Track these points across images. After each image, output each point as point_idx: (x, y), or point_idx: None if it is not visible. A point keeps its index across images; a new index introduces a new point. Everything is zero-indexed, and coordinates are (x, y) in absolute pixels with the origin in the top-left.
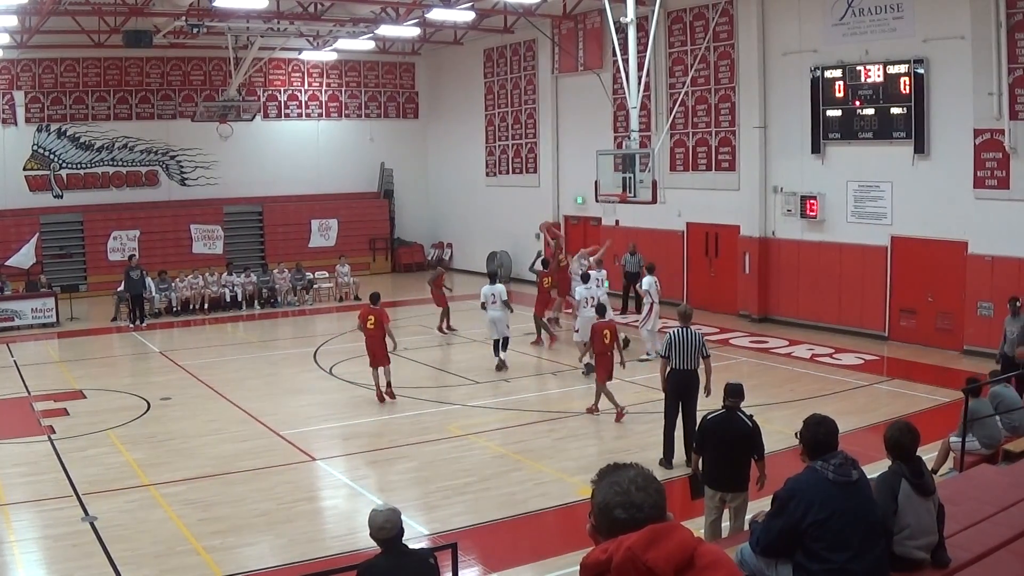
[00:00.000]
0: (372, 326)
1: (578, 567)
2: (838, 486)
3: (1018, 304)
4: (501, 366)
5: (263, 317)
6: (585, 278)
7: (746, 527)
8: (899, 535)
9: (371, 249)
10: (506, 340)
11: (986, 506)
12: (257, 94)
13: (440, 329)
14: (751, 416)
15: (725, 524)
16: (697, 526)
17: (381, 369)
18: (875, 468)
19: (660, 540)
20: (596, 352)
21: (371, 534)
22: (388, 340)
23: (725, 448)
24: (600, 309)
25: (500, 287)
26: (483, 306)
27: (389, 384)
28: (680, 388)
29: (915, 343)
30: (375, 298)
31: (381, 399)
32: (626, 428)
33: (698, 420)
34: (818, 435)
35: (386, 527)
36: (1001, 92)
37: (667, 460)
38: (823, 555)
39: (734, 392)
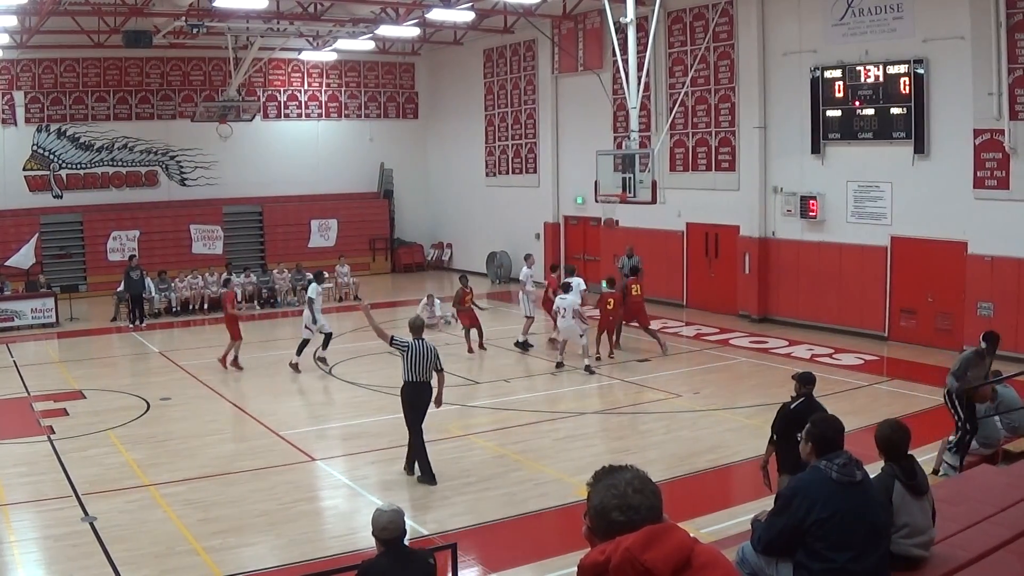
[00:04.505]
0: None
1: (576, 568)
2: (841, 486)
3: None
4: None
5: (262, 317)
6: (566, 288)
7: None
8: (896, 534)
9: (371, 249)
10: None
11: (986, 506)
12: (257, 94)
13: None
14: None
15: None
16: (694, 527)
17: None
18: (875, 468)
19: (658, 541)
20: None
21: (373, 533)
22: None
23: None
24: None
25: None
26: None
27: (236, 358)
28: (415, 399)
29: (915, 343)
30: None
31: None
32: (626, 429)
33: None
34: (827, 432)
35: (389, 527)
36: (1001, 92)
37: (429, 475)
38: (824, 554)
39: (809, 380)
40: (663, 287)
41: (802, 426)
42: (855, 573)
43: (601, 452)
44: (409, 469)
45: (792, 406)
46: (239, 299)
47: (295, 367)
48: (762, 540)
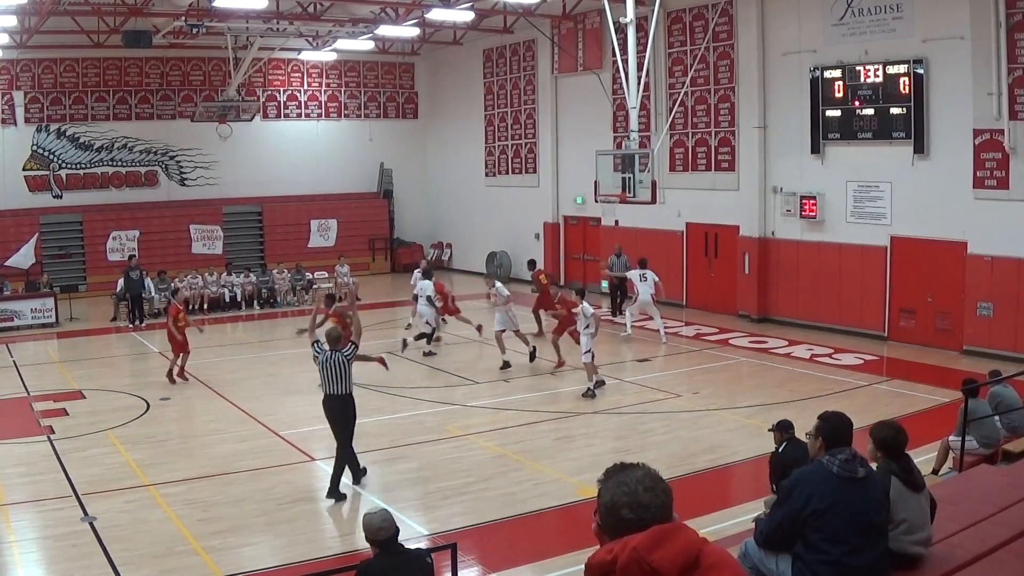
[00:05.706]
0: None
1: (579, 567)
2: (842, 480)
3: None
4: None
5: (262, 317)
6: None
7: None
8: (895, 531)
9: (371, 249)
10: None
11: (985, 506)
12: (256, 94)
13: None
14: None
15: None
16: (694, 527)
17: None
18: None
19: (665, 540)
20: None
21: (368, 537)
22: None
23: None
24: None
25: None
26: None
27: (182, 369)
28: (331, 413)
29: (914, 343)
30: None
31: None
32: (626, 429)
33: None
34: (837, 427)
35: (384, 527)
36: (1000, 92)
37: (356, 478)
38: (821, 546)
39: (788, 426)
40: (663, 287)
41: (798, 466)
42: (851, 568)
43: (601, 452)
44: (356, 479)
45: (780, 450)
46: (194, 306)
47: (404, 343)
48: (764, 533)
